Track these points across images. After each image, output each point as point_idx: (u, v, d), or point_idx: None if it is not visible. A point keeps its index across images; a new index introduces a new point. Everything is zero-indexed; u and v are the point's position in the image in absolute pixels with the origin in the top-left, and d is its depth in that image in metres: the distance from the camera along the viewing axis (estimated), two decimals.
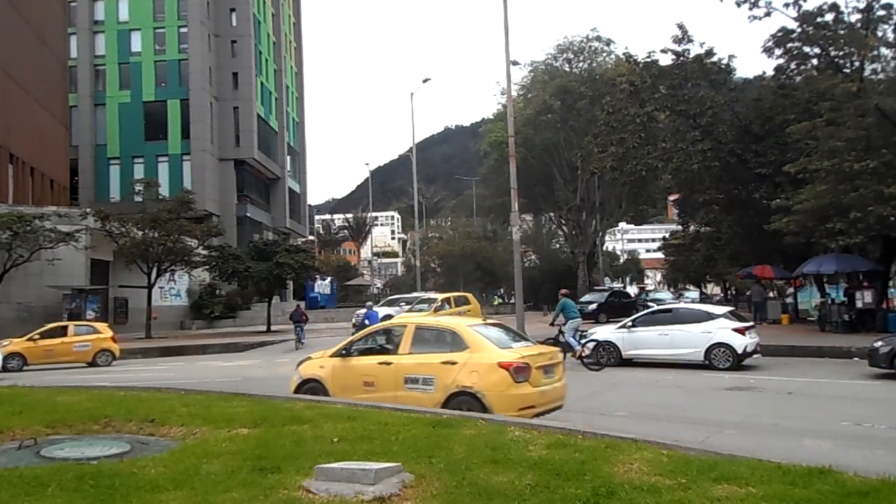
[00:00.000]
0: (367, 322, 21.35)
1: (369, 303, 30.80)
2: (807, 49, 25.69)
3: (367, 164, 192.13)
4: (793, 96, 25.97)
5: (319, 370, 10.15)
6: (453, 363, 8.91)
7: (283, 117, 61.53)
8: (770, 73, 28.14)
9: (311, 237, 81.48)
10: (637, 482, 4.98)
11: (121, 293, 35.34)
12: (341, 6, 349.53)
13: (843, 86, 22.52)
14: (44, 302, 29.95)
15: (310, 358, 10.76)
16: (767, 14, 25.43)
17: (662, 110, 28.24)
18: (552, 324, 18.25)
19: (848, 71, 24.23)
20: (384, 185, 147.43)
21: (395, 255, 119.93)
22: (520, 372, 8.60)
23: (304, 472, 5.29)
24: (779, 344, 18.60)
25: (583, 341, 17.09)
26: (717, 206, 32.75)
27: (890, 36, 24.36)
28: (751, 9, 25.48)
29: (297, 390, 10.20)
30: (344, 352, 10.07)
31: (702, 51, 27.58)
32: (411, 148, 51.85)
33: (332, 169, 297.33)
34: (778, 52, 26.07)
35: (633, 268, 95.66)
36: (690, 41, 27.62)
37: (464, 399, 8.67)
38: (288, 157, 62.33)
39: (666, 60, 28.34)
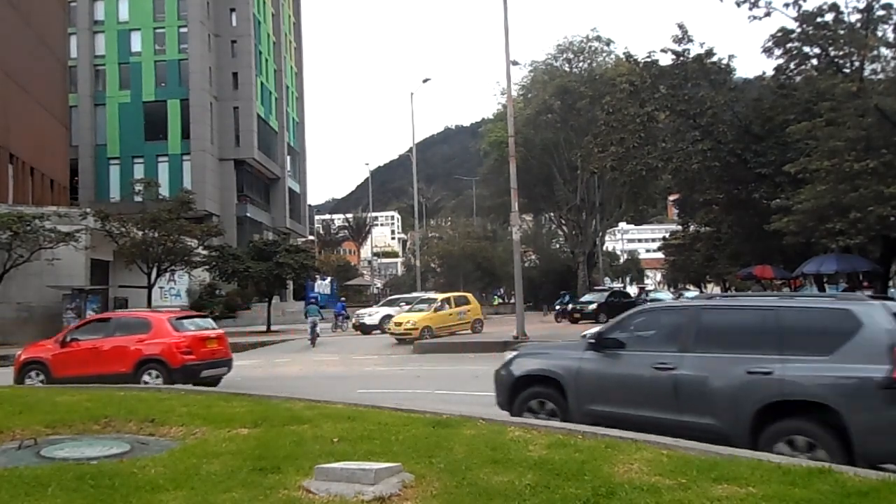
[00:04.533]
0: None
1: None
2: (807, 49, 25.63)
3: (367, 164, 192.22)
4: (793, 96, 25.93)
5: None
6: None
7: (283, 117, 61.54)
8: (770, 73, 28.05)
9: (311, 237, 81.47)
10: (637, 482, 4.98)
11: (121, 293, 35.33)
12: (341, 6, 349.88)
13: (843, 86, 22.46)
14: (44, 302, 29.94)
15: None
16: (767, 14, 25.37)
17: (662, 110, 28.19)
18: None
19: (848, 71, 24.18)
20: (384, 185, 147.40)
21: (395, 255, 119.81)
22: None
23: (304, 472, 5.28)
24: None
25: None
26: (717, 206, 32.68)
27: (890, 36, 24.31)
28: (751, 9, 25.42)
29: None
30: None
31: (702, 51, 27.52)
32: (411, 148, 51.91)
33: (332, 169, 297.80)
34: (778, 52, 26.01)
35: (633, 268, 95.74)
36: (690, 41, 27.57)
37: None
38: (288, 157, 62.36)
39: (666, 60, 28.28)
